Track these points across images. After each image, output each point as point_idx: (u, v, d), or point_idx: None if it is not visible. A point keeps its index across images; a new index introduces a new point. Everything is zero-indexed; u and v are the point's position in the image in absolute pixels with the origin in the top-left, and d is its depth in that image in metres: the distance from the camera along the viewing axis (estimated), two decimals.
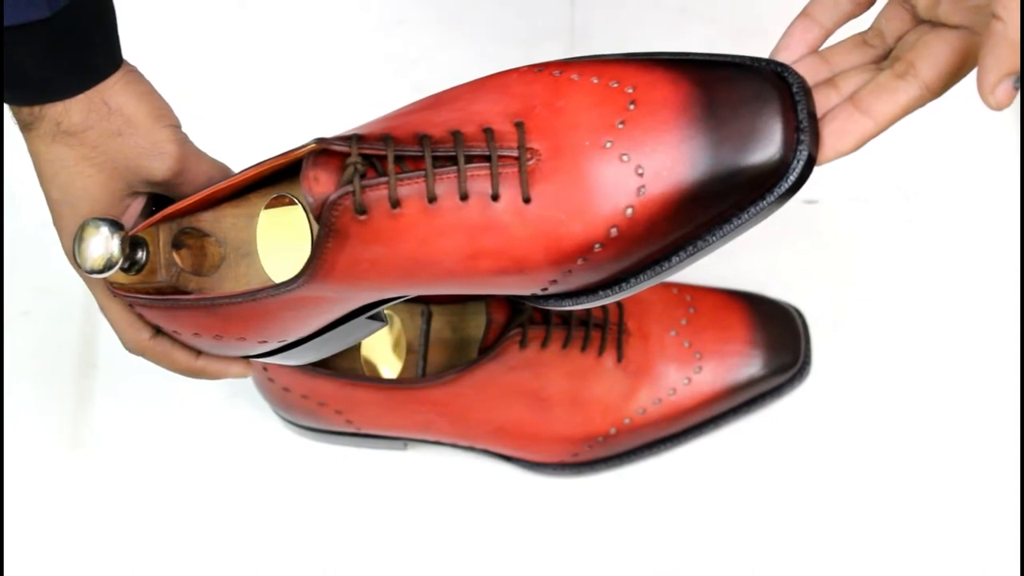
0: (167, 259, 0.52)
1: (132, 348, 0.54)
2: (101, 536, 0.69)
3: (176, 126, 0.51)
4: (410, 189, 0.47)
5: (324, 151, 0.47)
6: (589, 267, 0.49)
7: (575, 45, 0.78)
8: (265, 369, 0.65)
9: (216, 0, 0.80)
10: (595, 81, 0.49)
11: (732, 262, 0.69)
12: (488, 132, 0.48)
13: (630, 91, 0.48)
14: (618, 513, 0.68)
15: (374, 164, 0.47)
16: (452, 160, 0.47)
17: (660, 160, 0.47)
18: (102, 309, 0.54)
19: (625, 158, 0.47)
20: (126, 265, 0.50)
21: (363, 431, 0.67)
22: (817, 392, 0.70)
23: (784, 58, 0.51)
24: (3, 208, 0.74)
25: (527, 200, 0.47)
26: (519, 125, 0.48)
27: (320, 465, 0.70)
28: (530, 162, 0.47)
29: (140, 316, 0.53)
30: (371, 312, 0.53)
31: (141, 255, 0.51)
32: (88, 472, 0.70)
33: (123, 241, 0.49)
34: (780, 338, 0.68)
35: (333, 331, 0.54)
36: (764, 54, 0.78)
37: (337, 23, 0.80)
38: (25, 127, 0.49)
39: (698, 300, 0.68)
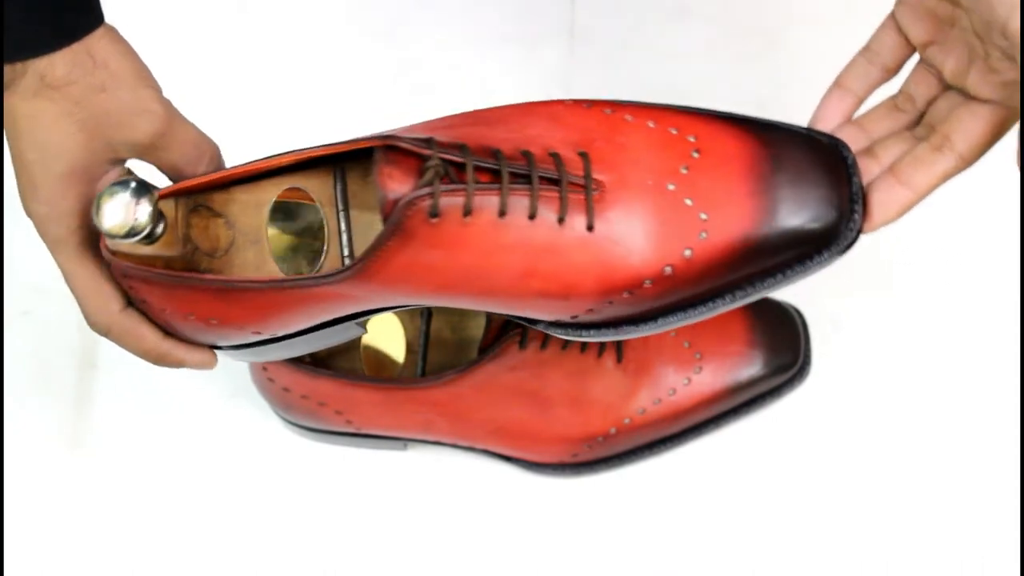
0: (184, 234, 0.51)
1: (97, 321, 0.52)
2: (101, 536, 0.69)
3: (157, 87, 0.49)
4: (484, 200, 0.47)
5: (392, 148, 0.47)
6: (631, 301, 0.50)
7: (575, 46, 0.78)
8: (265, 369, 0.65)
9: (216, 2, 0.80)
10: (651, 125, 0.50)
11: None
12: (555, 157, 0.48)
13: (692, 140, 0.50)
14: (618, 513, 0.68)
15: (447, 171, 0.47)
16: (522, 178, 0.48)
17: (726, 210, 0.49)
18: (67, 276, 0.51)
19: (689, 202, 0.49)
20: (146, 233, 0.48)
21: (363, 431, 0.67)
22: (817, 392, 0.70)
23: (823, 127, 0.54)
24: (3, 208, 0.74)
25: (590, 228, 0.48)
26: (584, 155, 0.49)
27: (320, 465, 0.70)
28: (595, 192, 0.48)
29: (112, 287, 0.51)
30: (361, 319, 0.53)
31: (161, 226, 0.49)
32: (88, 472, 0.70)
33: (155, 206, 0.48)
34: (780, 338, 0.68)
35: (318, 332, 0.53)
36: (764, 54, 0.78)
37: (337, 24, 0.80)
38: (5, 85, 0.47)
39: None
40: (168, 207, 0.50)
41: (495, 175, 0.48)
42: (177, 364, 0.54)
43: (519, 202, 0.48)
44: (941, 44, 0.52)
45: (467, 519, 0.69)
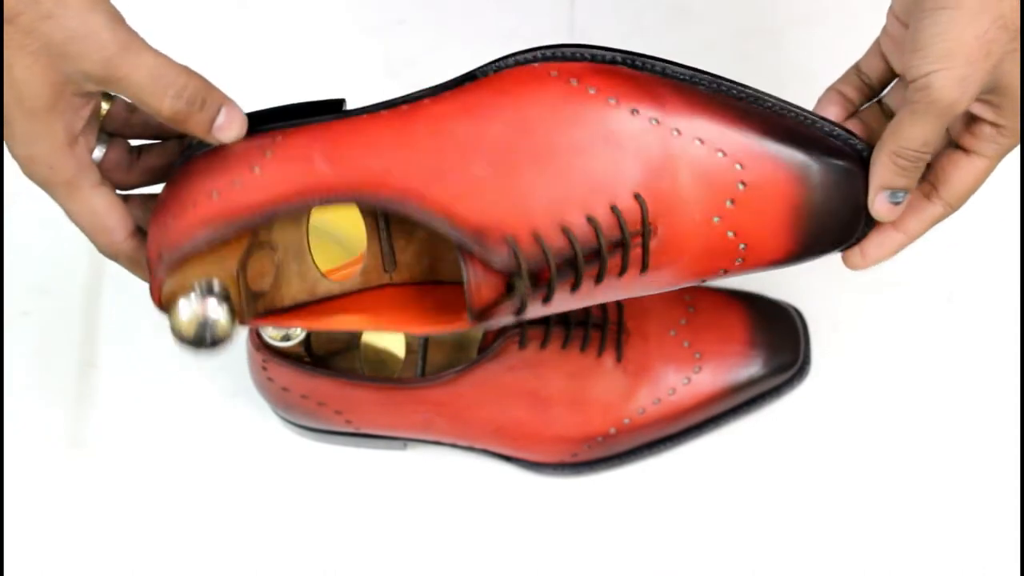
0: (246, 295, 0.50)
1: (104, 251, 0.52)
2: (101, 536, 0.69)
3: (114, 15, 0.48)
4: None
5: (472, 255, 0.50)
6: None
7: None
8: (264, 369, 0.65)
9: (216, 0, 0.80)
10: (698, 144, 0.51)
11: None
12: (616, 212, 0.51)
13: (739, 168, 0.51)
14: (618, 513, 0.68)
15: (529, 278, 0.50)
16: (594, 255, 0.51)
17: (763, 244, 0.53)
18: (69, 214, 0.51)
19: (731, 235, 0.52)
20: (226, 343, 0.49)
21: (363, 431, 0.67)
22: (817, 392, 0.70)
23: (827, 113, 0.57)
24: (3, 208, 0.74)
25: (644, 270, 0.52)
26: (640, 201, 0.51)
27: (320, 465, 0.70)
28: (653, 238, 0.52)
29: (114, 218, 0.51)
30: None
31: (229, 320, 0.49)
32: (88, 472, 0.70)
33: (231, 319, 0.48)
34: (780, 338, 0.68)
35: None
36: (763, 52, 0.78)
37: (336, 23, 0.80)
38: None
39: (698, 300, 0.68)
40: (229, 278, 0.50)
41: (570, 265, 0.51)
42: None
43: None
44: None
45: (467, 519, 0.69)
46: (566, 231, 0.50)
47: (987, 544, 0.67)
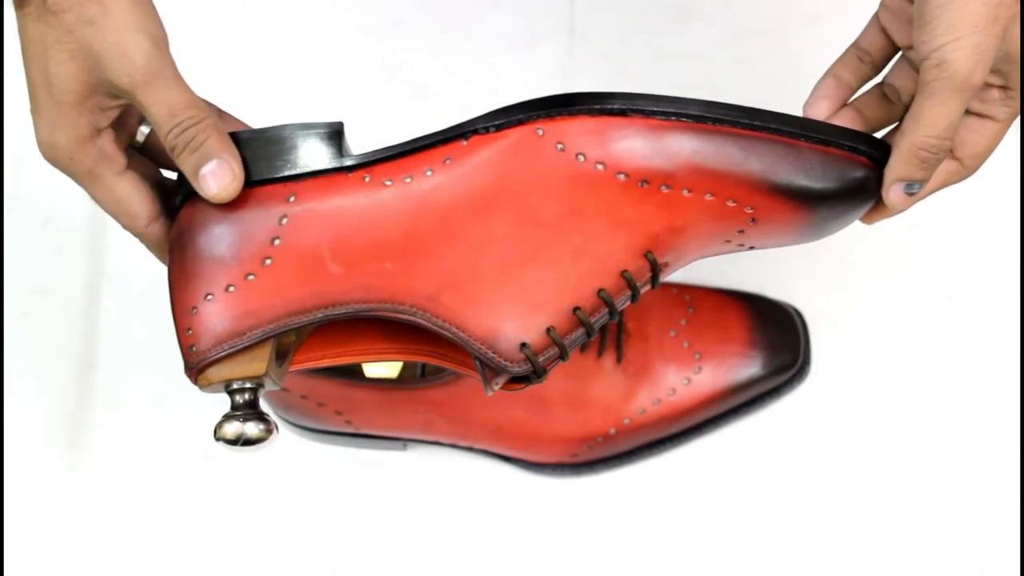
0: (275, 372, 0.51)
1: (129, 232, 0.53)
2: (101, 536, 0.69)
3: (155, 37, 0.49)
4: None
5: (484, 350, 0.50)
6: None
7: (574, 46, 0.78)
8: None
9: (216, 1, 0.80)
10: (709, 198, 0.51)
11: (732, 262, 0.69)
12: (627, 277, 0.51)
13: (749, 210, 0.51)
14: (618, 513, 0.68)
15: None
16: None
17: (770, 243, 0.53)
18: (93, 199, 0.52)
19: (741, 245, 0.53)
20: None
21: (363, 431, 0.67)
22: (817, 392, 0.70)
23: (818, 110, 0.56)
24: (3, 208, 0.74)
25: (653, 287, 0.52)
26: (650, 259, 0.51)
27: (320, 465, 0.70)
28: (661, 274, 0.52)
29: (135, 205, 0.51)
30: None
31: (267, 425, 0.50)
32: (88, 472, 0.70)
33: (266, 427, 0.50)
34: (780, 338, 0.68)
35: None
36: (763, 53, 0.78)
37: (334, 24, 0.80)
38: (18, 5, 0.48)
39: (697, 300, 0.68)
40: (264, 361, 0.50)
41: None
42: None
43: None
44: None
45: (467, 519, 0.69)
46: (577, 312, 0.50)
47: (987, 544, 0.67)
